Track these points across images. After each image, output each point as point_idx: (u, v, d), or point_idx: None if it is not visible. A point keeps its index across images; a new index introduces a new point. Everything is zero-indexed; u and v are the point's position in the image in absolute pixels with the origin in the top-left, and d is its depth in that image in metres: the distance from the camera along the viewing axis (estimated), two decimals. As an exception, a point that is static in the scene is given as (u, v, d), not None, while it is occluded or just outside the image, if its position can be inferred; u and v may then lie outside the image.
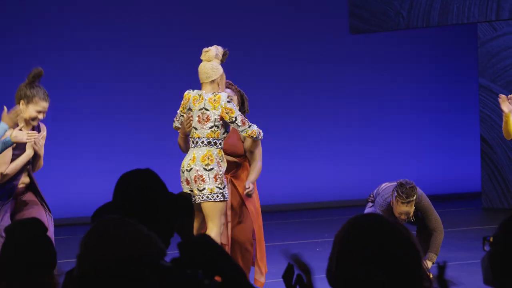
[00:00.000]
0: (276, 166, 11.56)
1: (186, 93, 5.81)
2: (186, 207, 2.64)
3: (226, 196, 5.67)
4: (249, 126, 5.70)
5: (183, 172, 5.69)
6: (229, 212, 5.79)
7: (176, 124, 5.82)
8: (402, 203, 6.12)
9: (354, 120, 12.10)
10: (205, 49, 5.77)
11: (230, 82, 5.94)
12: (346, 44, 11.90)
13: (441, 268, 2.09)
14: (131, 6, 11.23)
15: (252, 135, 5.73)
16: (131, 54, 11.09)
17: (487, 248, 2.18)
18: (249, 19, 11.70)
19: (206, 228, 5.65)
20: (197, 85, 5.84)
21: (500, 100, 6.37)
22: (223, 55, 5.78)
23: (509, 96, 6.55)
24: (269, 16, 11.78)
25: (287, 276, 2.22)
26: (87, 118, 10.88)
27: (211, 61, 5.71)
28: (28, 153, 5.30)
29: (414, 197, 6.12)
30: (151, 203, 2.57)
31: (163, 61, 11.26)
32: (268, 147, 10.79)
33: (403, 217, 6.16)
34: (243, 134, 5.74)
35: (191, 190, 5.65)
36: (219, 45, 5.82)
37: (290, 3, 11.94)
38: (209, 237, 2.05)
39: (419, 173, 12.47)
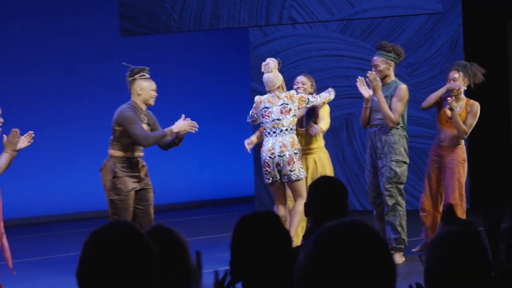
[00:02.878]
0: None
1: (257, 98, 7.17)
2: None
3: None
4: (320, 96, 7.21)
5: (273, 158, 6.93)
6: None
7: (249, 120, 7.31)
8: None
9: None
10: (264, 63, 7.08)
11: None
12: (117, 46, 11.56)
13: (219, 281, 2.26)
14: None
15: (325, 100, 7.31)
16: None
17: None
18: (19, 18, 11.15)
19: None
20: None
21: (358, 83, 7.21)
22: (278, 64, 7.13)
23: (369, 73, 7.10)
24: (42, 15, 11.28)
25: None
26: None
27: (273, 72, 7.02)
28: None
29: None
30: None
31: None
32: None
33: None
34: (320, 103, 7.25)
35: (280, 171, 6.94)
36: None
37: (60, 4, 11.48)
38: None
39: (193, 178, 12.33)
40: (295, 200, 7.10)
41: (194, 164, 12.44)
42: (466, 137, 7.34)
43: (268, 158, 6.98)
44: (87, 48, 11.57)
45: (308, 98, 7.13)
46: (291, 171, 6.95)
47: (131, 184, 6.49)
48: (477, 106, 7.35)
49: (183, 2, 10.80)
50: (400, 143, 7.19)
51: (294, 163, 6.95)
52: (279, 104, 7.03)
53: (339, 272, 1.64)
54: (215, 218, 10.94)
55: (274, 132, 7.03)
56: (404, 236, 7.31)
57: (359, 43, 10.95)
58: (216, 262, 7.08)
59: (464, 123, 7.34)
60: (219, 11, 10.77)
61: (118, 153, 6.52)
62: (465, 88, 7.42)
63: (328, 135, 11.02)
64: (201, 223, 10.59)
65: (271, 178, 7.04)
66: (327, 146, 11.12)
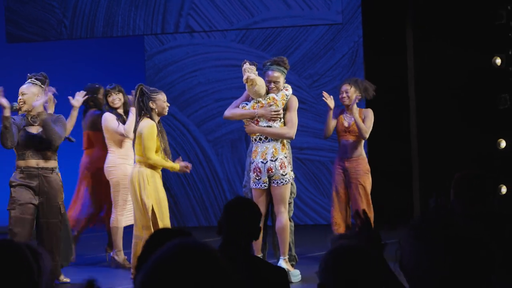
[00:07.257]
0: None
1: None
2: None
3: None
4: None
5: (265, 163, 6.90)
6: None
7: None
8: None
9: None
10: (247, 78, 6.85)
11: None
12: (2, 53, 10.91)
13: None
14: None
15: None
16: None
17: None
18: None
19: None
20: None
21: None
22: (255, 67, 6.97)
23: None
24: None
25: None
26: None
27: (256, 85, 6.91)
28: None
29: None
30: None
31: None
32: None
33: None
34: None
35: (271, 176, 6.90)
36: None
37: None
38: None
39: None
40: (275, 205, 7.00)
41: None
42: (367, 137, 7.54)
43: (260, 163, 6.95)
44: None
45: (286, 94, 7.08)
46: (283, 175, 6.95)
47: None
48: (370, 111, 7.62)
49: (74, 8, 10.36)
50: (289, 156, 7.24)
51: (285, 167, 6.96)
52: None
53: None
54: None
55: (266, 138, 7.00)
56: (294, 252, 7.22)
57: (258, 53, 10.75)
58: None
59: None
60: (113, 18, 10.41)
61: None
62: (358, 100, 7.59)
63: (227, 148, 10.70)
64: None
65: (259, 184, 6.96)
66: (224, 159, 10.88)
